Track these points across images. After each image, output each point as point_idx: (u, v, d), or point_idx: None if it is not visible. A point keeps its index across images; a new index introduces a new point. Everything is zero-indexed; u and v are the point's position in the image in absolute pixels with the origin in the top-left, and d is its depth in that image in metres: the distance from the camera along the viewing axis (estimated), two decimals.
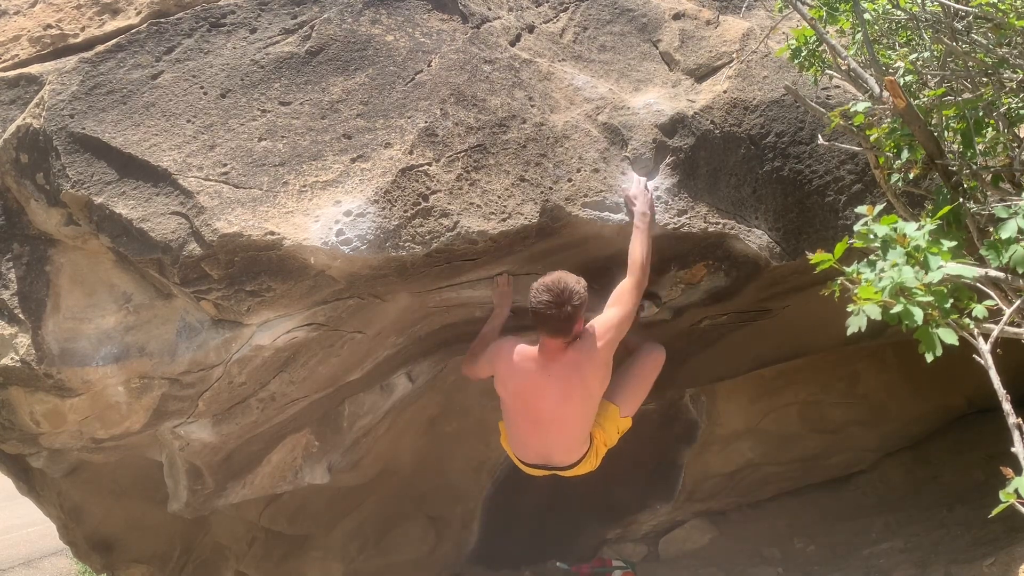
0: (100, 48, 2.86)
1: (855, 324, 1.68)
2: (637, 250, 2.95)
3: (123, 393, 2.94)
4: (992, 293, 1.83)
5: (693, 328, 3.88)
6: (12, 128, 2.85)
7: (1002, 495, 1.47)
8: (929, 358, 1.64)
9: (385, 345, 3.35)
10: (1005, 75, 2.35)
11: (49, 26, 3.02)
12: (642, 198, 3.01)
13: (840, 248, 1.85)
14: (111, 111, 2.75)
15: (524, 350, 2.97)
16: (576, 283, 2.79)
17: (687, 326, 3.83)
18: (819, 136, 3.00)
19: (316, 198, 2.73)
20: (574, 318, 2.81)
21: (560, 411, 2.97)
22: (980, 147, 2.37)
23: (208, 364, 2.89)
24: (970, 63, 2.38)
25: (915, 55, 2.52)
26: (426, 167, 2.82)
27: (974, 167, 2.31)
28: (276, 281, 2.72)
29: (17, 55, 3.02)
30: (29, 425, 3.04)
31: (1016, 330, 1.78)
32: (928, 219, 1.93)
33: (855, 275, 1.78)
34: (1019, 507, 1.46)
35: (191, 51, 2.88)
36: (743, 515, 5.25)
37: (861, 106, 2.37)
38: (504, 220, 2.88)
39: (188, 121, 2.77)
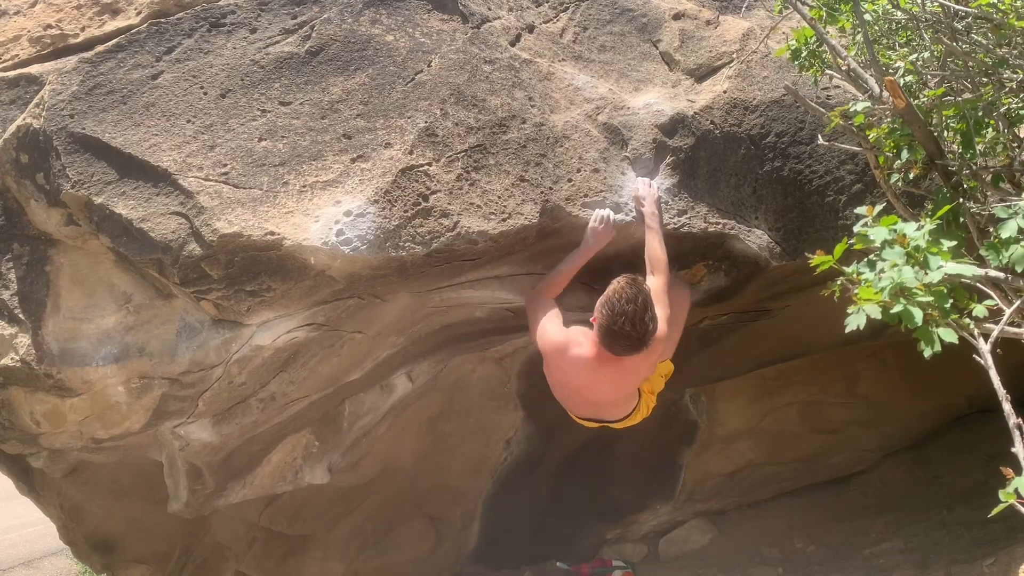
0: (100, 48, 2.86)
1: (853, 322, 1.68)
2: (657, 249, 2.96)
3: (123, 393, 2.94)
4: (992, 293, 1.83)
5: (693, 328, 3.87)
6: (12, 128, 2.85)
7: (1002, 495, 1.47)
8: (928, 354, 1.64)
9: (385, 345, 3.35)
10: (1005, 75, 2.35)
11: (49, 26, 3.02)
12: (650, 198, 3.02)
13: (839, 249, 1.85)
14: (111, 111, 2.75)
15: (580, 349, 2.89)
16: (651, 313, 2.71)
17: (687, 326, 3.82)
18: (819, 136, 3.00)
19: (316, 198, 2.73)
20: (646, 345, 2.76)
21: (612, 393, 3.05)
22: (980, 147, 2.37)
23: (208, 364, 2.89)
24: (970, 63, 2.38)
25: (915, 55, 2.52)
26: (426, 167, 2.83)
27: (974, 167, 2.31)
28: (276, 281, 2.72)
29: (17, 55, 3.02)
30: (29, 425, 3.04)
31: (1016, 330, 1.79)
32: (928, 219, 1.93)
33: (855, 275, 1.78)
34: (1019, 507, 1.46)
35: (191, 51, 2.88)
36: (743, 515, 5.25)
37: (861, 106, 2.38)
38: (504, 220, 2.88)
39: (188, 121, 2.77)
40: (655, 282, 2.92)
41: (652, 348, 2.83)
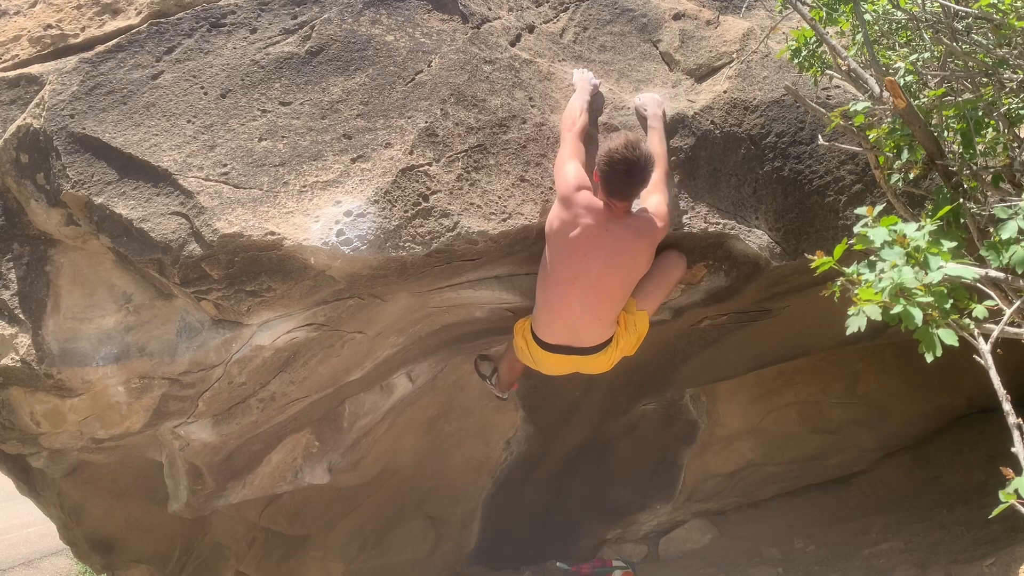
0: (100, 48, 2.86)
1: (854, 324, 1.68)
2: (657, 145, 3.01)
3: (123, 393, 2.94)
4: (992, 293, 1.83)
5: (693, 328, 3.87)
6: (12, 128, 2.85)
7: (1002, 495, 1.47)
8: (929, 359, 1.64)
9: (385, 345, 3.35)
10: (1005, 75, 2.35)
11: (49, 26, 3.02)
12: (652, 104, 3.12)
13: (839, 250, 1.85)
14: (111, 111, 2.75)
15: (591, 195, 2.88)
16: (647, 147, 2.81)
17: (687, 326, 3.82)
18: (819, 136, 3.00)
19: (316, 198, 2.73)
20: (644, 182, 2.84)
21: (605, 271, 2.90)
22: (980, 147, 2.37)
23: (208, 364, 2.89)
24: (970, 63, 2.38)
25: (915, 55, 2.52)
26: (426, 167, 2.83)
27: (974, 167, 2.31)
28: (276, 281, 2.72)
29: (17, 55, 3.02)
30: (29, 425, 3.04)
31: (1016, 330, 1.79)
32: (928, 219, 1.93)
33: (855, 276, 1.78)
34: (1019, 507, 1.46)
35: (191, 51, 2.88)
36: (743, 515, 5.25)
37: (861, 106, 2.38)
38: (504, 220, 2.88)
39: (188, 121, 2.77)
40: (655, 173, 2.92)
41: (650, 222, 2.88)
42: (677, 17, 3.44)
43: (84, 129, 2.72)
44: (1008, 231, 1.82)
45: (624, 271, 2.95)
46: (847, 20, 2.67)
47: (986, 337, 1.71)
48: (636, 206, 2.96)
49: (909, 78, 2.53)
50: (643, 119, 3.11)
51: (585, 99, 3.06)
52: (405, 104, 2.90)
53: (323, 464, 3.72)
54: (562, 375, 3.34)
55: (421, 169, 2.82)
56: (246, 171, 2.73)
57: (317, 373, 3.19)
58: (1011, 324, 1.78)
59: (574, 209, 2.84)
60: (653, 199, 2.93)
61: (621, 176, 2.76)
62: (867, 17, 2.52)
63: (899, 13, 2.54)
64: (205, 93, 2.82)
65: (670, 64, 3.38)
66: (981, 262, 1.92)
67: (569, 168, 2.88)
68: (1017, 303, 1.80)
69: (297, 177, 2.75)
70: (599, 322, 3.03)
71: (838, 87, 3.30)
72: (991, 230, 2.06)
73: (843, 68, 2.46)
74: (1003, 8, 2.22)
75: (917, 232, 1.74)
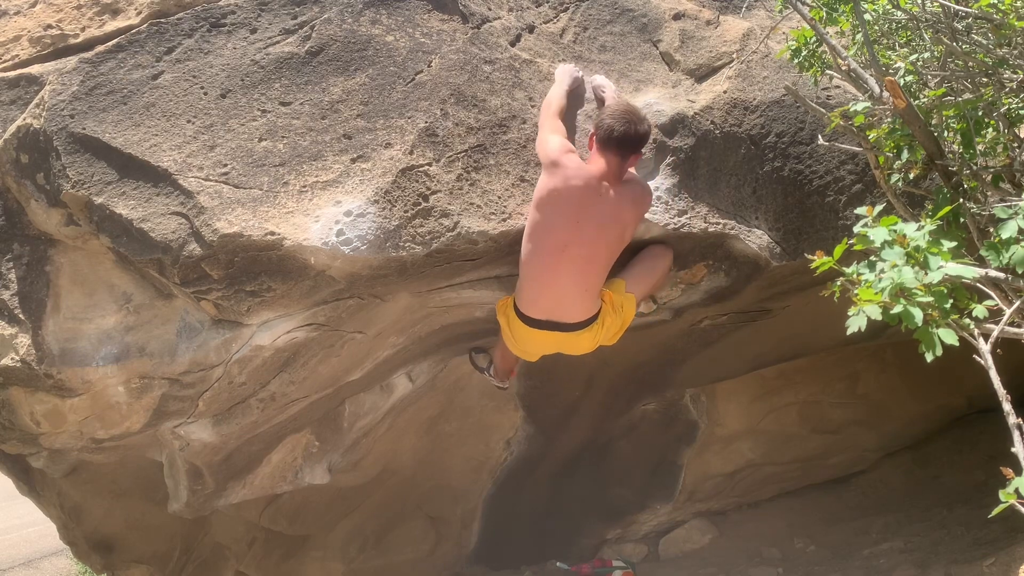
0: (100, 48, 2.86)
1: (855, 324, 1.68)
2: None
3: (123, 393, 2.94)
4: (992, 293, 1.83)
5: (693, 328, 3.87)
6: (12, 128, 2.85)
7: (1002, 495, 1.47)
8: (929, 358, 1.64)
9: (385, 345, 3.35)
10: (1005, 75, 2.35)
11: (49, 26, 3.02)
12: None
13: (839, 250, 1.85)
14: (111, 111, 2.76)
15: (584, 164, 2.86)
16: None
17: (687, 326, 3.82)
18: (819, 136, 3.00)
19: (316, 198, 2.73)
20: (644, 142, 2.91)
21: (596, 237, 2.85)
22: (980, 147, 2.37)
23: (208, 364, 2.90)
24: (970, 63, 2.38)
25: (915, 55, 2.52)
26: (426, 167, 2.83)
27: (974, 167, 2.31)
28: (276, 281, 2.72)
29: (17, 55, 3.02)
30: (29, 425, 3.04)
31: (1016, 330, 1.79)
32: (928, 219, 1.93)
33: (855, 276, 1.78)
34: (1019, 507, 1.46)
35: (191, 51, 2.88)
36: (743, 515, 5.24)
37: (861, 106, 2.38)
38: (504, 220, 2.88)
39: (188, 121, 2.77)
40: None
41: (642, 190, 2.94)
42: (677, 17, 3.44)
43: (84, 129, 2.72)
44: (1008, 231, 1.82)
45: (612, 242, 2.91)
46: (847, 20, 2.67)
47: (986, 337, 1.71)
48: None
49: (909, 78, 2.53)
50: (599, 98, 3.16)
51: (564, 89, 3.05)
52: (405, 104, 2.90)
53: (323, 464, 3.72)
54: (557, 365, 3.31)
55: (421, 169, 2.82)
56: (246, 171, 2.73)
57: (317, 373, 3.19)
58: (1011, 324, 1.78)
59: (564, 171, 2.79)
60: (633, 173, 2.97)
61: (633, 128, 2.81)
62: (867, 17, 2.52)
63: (899, 13, 2.54)
64: (205, 93, 2.82)
65: (670, 64, 3.38)
66: (981, 262, 1.92)
67: (552, 139, 2.87)
68: (1017, 303, 1.79)
69: (297, 177, 2.75)
70: (585, 294, 2.96)
71: (838, 87, 3.30)
72: (991, 230, 2.06)
73: (843, 68, 2.46)
74: (1003, 8, 2.22)
75: (917, 232, 1.74)
